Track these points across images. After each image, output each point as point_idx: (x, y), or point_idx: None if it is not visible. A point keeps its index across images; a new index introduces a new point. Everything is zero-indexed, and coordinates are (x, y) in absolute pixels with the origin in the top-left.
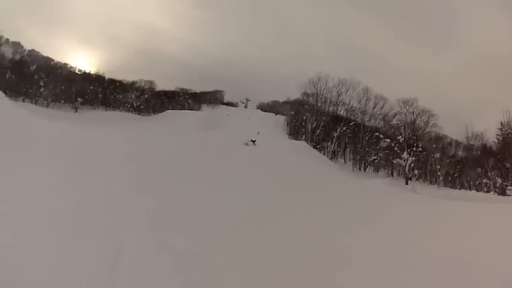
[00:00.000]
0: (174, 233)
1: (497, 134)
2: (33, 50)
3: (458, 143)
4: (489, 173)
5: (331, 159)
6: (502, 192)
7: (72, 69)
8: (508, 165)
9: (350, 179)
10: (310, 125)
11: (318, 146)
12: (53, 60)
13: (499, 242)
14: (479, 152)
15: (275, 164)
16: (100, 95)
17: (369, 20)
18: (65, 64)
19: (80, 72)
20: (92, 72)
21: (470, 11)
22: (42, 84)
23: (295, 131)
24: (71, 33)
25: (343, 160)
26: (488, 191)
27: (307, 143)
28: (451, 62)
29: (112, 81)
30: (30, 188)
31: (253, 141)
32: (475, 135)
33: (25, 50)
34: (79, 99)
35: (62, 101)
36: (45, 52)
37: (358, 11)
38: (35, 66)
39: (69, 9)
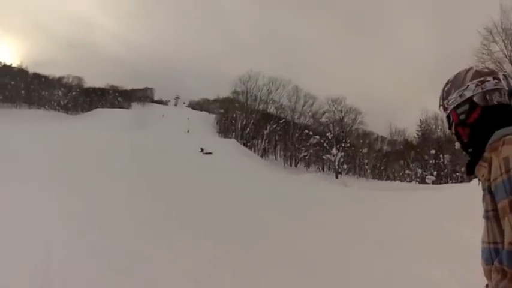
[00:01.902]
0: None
1: (417, 130)
2: None
3: (383, 139)
4: (411, 165)
5: (261, 156)
6: (422, 181)
7: None
8: (426, 157)
9: (281, 175)
10: (240, 123)
11: (248, 144)
12: None
13: (414, 221)
14: (401, 147)
15: (204, 161)
16: (23, 91)
17: (302, 22)
18: None
19: None
20: (13, 65)
21: (396, 20)
22: None
23: (225, 129)
24: None
25: (274, 157)
26: (410, 181)
27: (237, 140)
28: (377, 65)
29: (36, 76)
30: None
31: (202, 150)
32: (398, 131)
33: None
34: None
35: None
36: None
37: (293, 11)
38: None
39: None
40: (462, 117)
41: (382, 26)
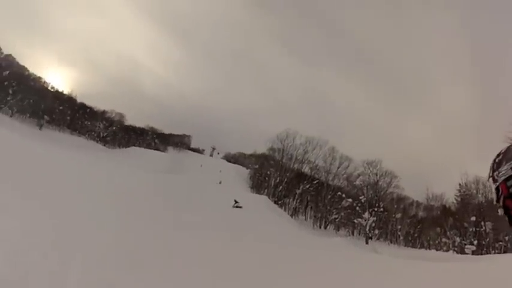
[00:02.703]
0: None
1: (455, 195)
2: (10, 55)
3: (418, 204)
4: (448, 233)
5: (291, 215)
6: (461, 250)
7: (45, 84)
8: (466, 224)
9: (310, 236)
10: (273, 180)
11: (280, 202)
12: (28, 70)
13: None
14: (438, 212)
15: (234, 215)
16: (68, 117)
17: (344, 82)
18: (39, 78)
19: (52, 90)
20: (64, 92)
21: (439, 83)
22: (11, 92)
23: (258, 185)
24: (52, 47)
25: (304, 217)
26: (447, 250)
27: (269, 198)
28: (416, 128)
29: (83, 106)
30: None
31: (236, 202)
32: (435, 196)
33: (2, 53)
34: (46, 117)
35: (28, 115)
36: (22, 61)
37: (335, 71)
38: (8, 72)
39: (55, 23)
40: None
41: (424, 91)
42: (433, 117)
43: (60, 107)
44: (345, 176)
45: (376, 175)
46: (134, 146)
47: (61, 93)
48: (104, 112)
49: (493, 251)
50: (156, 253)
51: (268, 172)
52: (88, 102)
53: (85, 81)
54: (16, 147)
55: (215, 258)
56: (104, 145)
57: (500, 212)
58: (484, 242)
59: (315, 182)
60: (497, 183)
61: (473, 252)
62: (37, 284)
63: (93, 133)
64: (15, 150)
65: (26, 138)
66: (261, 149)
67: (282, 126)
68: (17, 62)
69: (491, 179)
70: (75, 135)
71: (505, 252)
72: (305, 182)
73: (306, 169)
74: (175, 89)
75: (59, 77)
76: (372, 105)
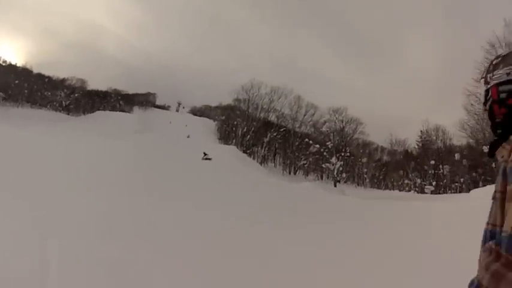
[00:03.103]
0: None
1: (417, 141)
2: None
3: (383, 149)
4: (410, 175)
5: (261, 163)
6: (421, 191)
7: None
8: (426, 167)
9: (280, 182)
10: (240, 130)
11: (248, 151)
12: None
13: (415, 233)
14: (401, 157)
15: (204, 167)
16: (26, 91)
17: (306, 33)
18: None
19: (4, 64)
20: (18, 64)
21: (401, 37)
22: None
23: (225, 136)
24: (1, 18)
25: (273, 164)
26: (409, 190)
27: (237, 147)
28: (379, 78)
29: (40, 76)
30: None
31: (205, 154)
32: (398, 142)
33: None
34: (1, 93)
35: None
36: None
37: (298, 22)
38: None
39: None
40: (502, 95)
41: (388, 41)
42: (398, 71)
43: (16, 81)
44: (311, 123)
45: (342, 122)
46: (99, 110)
47: (14, 66)
48: (63, 80)
49: (450, 191)
50: (129, 220)
51: (235, 122)
52: (47, 72)
53: (42, 50)
54: None
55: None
56: (68, 114)
57: (457, 156)
58: (441, 183)
59: (282, 129)
60: (488, 86)
61: (432, 192)
62: (18, 265)
63: (54, 103)
64: None
65: None
66: (227, 100)
67: (246, 78)
68: None
69: (483, 80)
70: (36, 108)
71: (460, 192)
72: (272, 130)
73: (272, 118)
74: (139, 50)
75: (9, 49)
76: (339, 61)
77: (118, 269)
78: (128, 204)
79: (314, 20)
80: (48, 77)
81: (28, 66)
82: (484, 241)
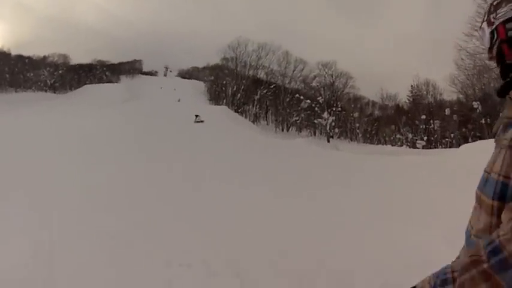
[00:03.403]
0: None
1: (407, 96)
2: None
3: (374, 103)
4: (401, 130)
5: (253, 122)
6: (413, 145)
7: None
8: (417, 122)
9: (273, 139)
10: (230, 89)
11: (240, 110)
12: None
13: (408, 187)
14: (393, 111)
15: (197, 129)
16: (7, 75)
17: None
18: None
19: None
20: None
21: None
22: None
23: (216, 96)
24: None
25: (265, 122)
26: (401, 145)
27: (228, 107)
28: (369, 32)
29: (20, 58)
30: None
31: (197, 116)
32: (389, 96)
33: None
34: None
35: None
36: None
37: None
38: None
39: None
40: (511, 33)
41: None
42: (388, 25)
43: None
44: (301, 78)
45: (332, 76)
46: (86, 84)
47: None
48: (44, 58)
49: (440, 146)
50: (126, 190)
51: (224, 82)
52: (26, 52)
53: (18, 31)
54: None
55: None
56: (54, 92)
57: (447, 111)
58: (432, 138)
59: (272, 86)
60: (493, 26)
61: (423, 147)
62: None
63: (39, 83)
64: None
65: None
66: (214, 60)
67: (232, 37)
68: None
69: (485, 23)
70: (21, 91)
71: (450, 147)
72: (262, 87)
73: (261, 75)
74: (120, 19)
75: None
76: (328, 15)
77: (116, 240)
78: (125, 173)
79: None
80: (29, 57)
81: (5, 49)
82: (496, 194)
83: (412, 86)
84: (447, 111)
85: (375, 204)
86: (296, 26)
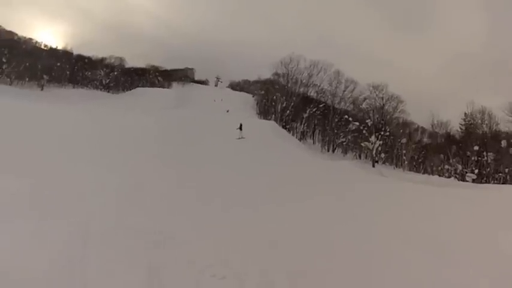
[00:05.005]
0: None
1: (460, 124)
2: None
3: (424, 130)
4: (451, 160)
5: (299, 139)
6: (462, 178)
7: (37, 45)
8: (468, 153)
9: (318, 160)
10: (280, 105)
11: (287, 126)
12: (16, 34)
13: (458, 223)
14: (443, 140)
15: (245, 143)
16: (67, 72)
17: (351, 11)
18: (30, 39)
19: (45, 48)
20: (58, 47)
21: (448, 11)
22: (4, 60)
23: (265, 111)
24: (35, 4)
25: (312, 141)
26: (449, 177)
27: (277, 122)
28: (423, 54)
29: (80, 58)
30: None
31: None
32: (440, 123)
33: None
34: (45, 76)
35: (27, 79)
36: (8, 26)
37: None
38: None
39: None
40: None
41: (431, 16)
42: (442, 47)
43: (58, 64)
44: (350, 99)
45: (382, 99)
46: (138, 87)
47: (56, 50)
48: (102, 59)
49: (493, 181)
50: (163, 191)
51: (274, 97)
52: (85, 53)
53: (77, 32)
54: (16, 114)
55: (232, 183)
56: (108, 92)
57: (503, 143)
58: (484, 172)
59: (322, 105)
60: None
61: (473, 181)
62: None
63: (95, 82)
64: (15, 119)
65: (26, 102)
66: (266, 74)
67: (285, 52)
68: (3, 29)
69: None
70: (78, 87)
71: (503, 183)
72: (311, 105)
73: (311, 93)
74: (172, 25)
75: (49, 34)
76: (377, 29)
77: (146, 238)
78: (166, 179)
79: None
80: (88, 58)
81: (68, 49)
82: None
83: (465, 113)
84: (503, 143)
85: (424, 242)
86: (349, 45)
